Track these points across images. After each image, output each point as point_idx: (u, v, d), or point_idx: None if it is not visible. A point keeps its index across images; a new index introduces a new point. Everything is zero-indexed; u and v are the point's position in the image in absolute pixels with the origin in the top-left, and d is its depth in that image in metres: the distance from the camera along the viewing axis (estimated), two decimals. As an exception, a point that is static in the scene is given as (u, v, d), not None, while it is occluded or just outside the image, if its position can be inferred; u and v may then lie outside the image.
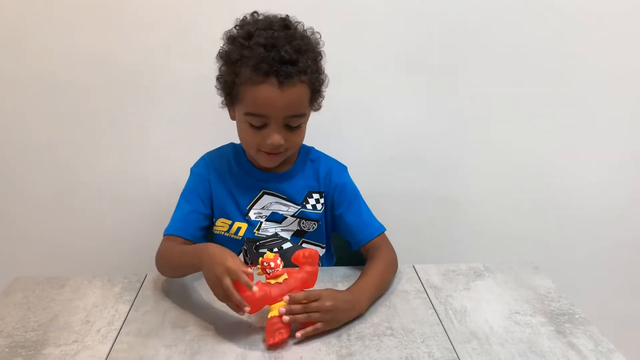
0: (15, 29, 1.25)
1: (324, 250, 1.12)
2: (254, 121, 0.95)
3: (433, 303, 0.94)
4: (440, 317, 0.90)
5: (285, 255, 1.06)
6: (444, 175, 1.44)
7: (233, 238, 1.07)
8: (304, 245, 1.09)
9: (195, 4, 1.25)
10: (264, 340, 0.82)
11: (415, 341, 0.83)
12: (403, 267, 1.06)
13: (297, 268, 0.87)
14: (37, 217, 1.40)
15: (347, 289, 0.92)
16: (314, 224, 1.08)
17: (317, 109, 1.02)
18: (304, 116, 0.98)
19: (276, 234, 1.07)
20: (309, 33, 0.99)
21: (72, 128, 1.34)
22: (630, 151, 1.43)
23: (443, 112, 1.38)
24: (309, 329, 0.83)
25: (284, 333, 0.81)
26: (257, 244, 1.06)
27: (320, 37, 1.00)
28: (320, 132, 1.17)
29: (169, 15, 1.26)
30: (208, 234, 1.11)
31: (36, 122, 1.33)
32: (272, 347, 0.80)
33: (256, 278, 0.83)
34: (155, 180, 1.38)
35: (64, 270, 1.03)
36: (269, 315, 0.82)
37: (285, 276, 0.83)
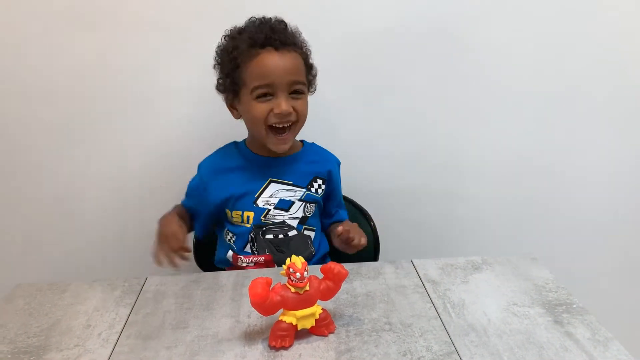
0: (12, 32, 1.26)
1: (314, 233, 1.17)
2: (262, 90, 1.04)
3: (431, 297, 0.94)
4: (438, 311, 0.90)
5: (290, 243, 1.09)
6: (442, 171, 1.45)
7: (244, 227, 1.14)
8: (305, 232, 1.13)
9: (192, 9, 1.26)
10: (266, 340, 0.82)
11: (413, 335, 0.83)
12: (401, 262, 1.06)
13: (320, 277, 0.84)
14: (37, 222, 1.41)
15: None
16: (314, 207, 1.15)
17: (312, 91, 1.10)
18: (304, 84, 1.07)
19: (284, 222, 1.11)
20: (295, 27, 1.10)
21: (70, 132, 1.36)
22: (630, 144, 1.43)
23: (441, 106, 1.38)
24: (364, 241, 1.05)
25: (287, 342, 0.81)
26: (264, 229, 1.09)
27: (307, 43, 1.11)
28: (316, 127, 1.18)
29: (166, 19, 1.27)
30: (206, 224, 1.21)
31: (35, 126, 1.34)
32: (273, 348, 0.81)
33: (277, 279, 0.82)
34: (155, 183, 1.39)
35: (65, 275, 1.04)
36: (280, 318, 0.81)
37: (307, 288, 0.81)
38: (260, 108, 1.04)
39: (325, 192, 1.18)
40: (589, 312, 0.88)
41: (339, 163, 1.22)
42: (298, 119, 1.07)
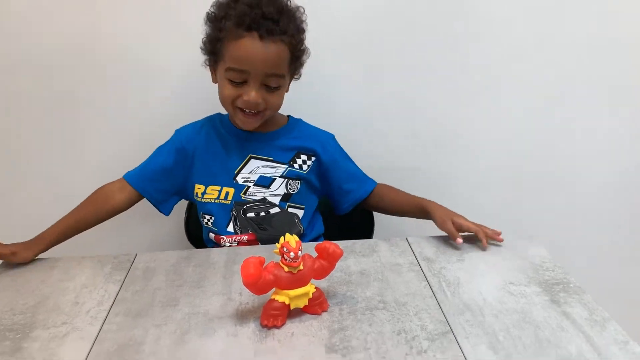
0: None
1: (303, 211, 1.13)
2: (235, 77, 0.99)
3: (426, 275, 0.93)
4: (433, 289, 0.88)
5: (272, 220, 1.07)
6: (437, 149, 1.42)
7: (223, 204, 1.10)
8: (289, 209, 1.10)
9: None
10: (258, 319, 0.81)
11: (408, 314, 0.82)
12: (396, 239, 1.04)
13: (314, 256, 0.82)
14: (26, 200, 1.38)
15: (434, 208, 1.06)
16: (298, 183, 1.11)
17: (297, 77, 1.06)
18: (283, 77, 1.02)
19: (264, 199, 1.08)
20: (294, 7, 1.03)
21: (56, 114, 1.33)
22: (629, 118, 1.41)
23: (436, 83, 1.35)
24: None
25: (279, 321, 0.79)
26: (245, 207, 1.07)
27: (305, 15, 1.04)
28: (309, 104, 1.15)
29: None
30: (175, 201, 1.17)
31: (18, 100, 1.30)
32: (265, 327, 0.79)
33: (267, 258, 0.80)
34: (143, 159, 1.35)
35: (53, 251, 1.01)
36: (272, 297, 0.79)
37: (300, 267, 0.78)
38: (230, 91, 1.00)
39: (324, 170, 1.14)
40: (585, 291, 0.86)
41: (332, 137, 1.17)
42: (267, 108, 1.03)
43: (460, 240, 0.98)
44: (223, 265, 0.97)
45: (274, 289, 0.80)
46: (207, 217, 1.13)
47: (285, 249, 0.77)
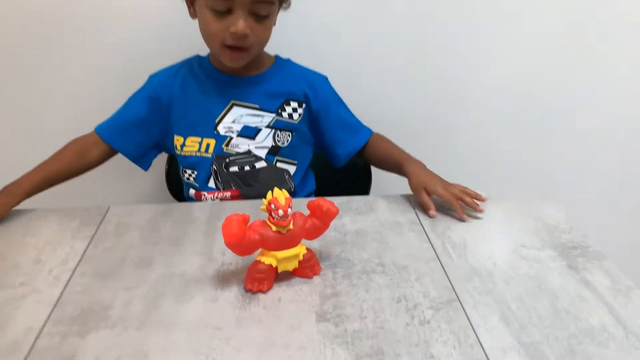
0: None
1: (295, 167, 1.04)
2: (218, 5, 0.86)
3: (429, 236, 0.84)
4: (437, 252, 0.80)
5: (258, 176, 0.97)
6: (438, 96, 1.31)
7: (204, 157, 1.00)
8: (278, 164, 1.00)
9: None
10: (241, 282, 0.72)
11: (409, 279, 0.73)
12: (396, 196, 0.95)
13: (306, 214, 0.73)
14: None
15: (411, 172, 0.93)
16: (288, 135, 1.00)
17: (287, 6, 0.95)
18: (272, 4, 0.90)
19: (249, 152, 0.97)
20: None
21: (28, 58, 1.20)
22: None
23: (437, 28, 1.23)
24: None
25: (265, 285, 0.70)
26: (227, 161, 0.97)
27: None
28: (300, 46, 1.03)
29: None
30: (153, 155, 1.07)
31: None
32: (249, 291, 0.71)
33: (253, 215, 0.70)
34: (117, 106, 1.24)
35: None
36: (258, 258, 0.70)
37: (290, 227, 0.69)
38: (215, 24, 0.89)
39: (314, 117, 1.03)
40: (606, 257, 0.78)
41: (325, 79, 1.05)
42: (254, 43, 0.91)
43: (433, 213, 0.87)
44: (205, 221, 0.88)
45: (260, 249, 0.71)
46: (189, 172, 1.03)
47: (273, 206, 0.67)
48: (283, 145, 1.01)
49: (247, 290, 0.71)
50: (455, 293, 0.71)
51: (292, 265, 0.72)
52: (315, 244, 0.79)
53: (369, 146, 1.05)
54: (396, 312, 0.67)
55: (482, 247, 0.81)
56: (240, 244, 0.67)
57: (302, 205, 0.75)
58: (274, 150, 1.01)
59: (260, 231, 0.69)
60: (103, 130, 1.00)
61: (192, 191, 1.04)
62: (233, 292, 0.71)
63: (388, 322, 0.65)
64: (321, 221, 0.72)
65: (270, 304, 0.69)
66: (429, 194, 0.89)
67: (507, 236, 0.83)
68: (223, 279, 0.73)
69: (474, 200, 0.88)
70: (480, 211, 0.87)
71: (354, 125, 1.06)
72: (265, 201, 0.69)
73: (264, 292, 0.70)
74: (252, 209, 0.73)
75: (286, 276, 0.73)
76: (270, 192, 0.69)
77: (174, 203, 0.99)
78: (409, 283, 0.73)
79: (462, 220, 0.86)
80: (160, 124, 1.01)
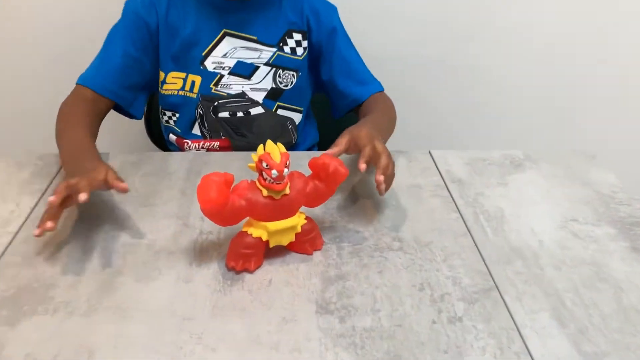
0: None
1: (301, 116, 0.88)
2: None
3: (457, 204, 0.68)
4: (467, 224, 0.64)
5: (253, 124, 0.81)
6: (466, 39, 1.12)
7: (188, 97, 0.84)
8: (279, 111, 0.83)
9: None
10: (223, 257, 0.57)
11: (434, 260, 0.58)
12: (415, 153, 0.79)
13: (306, 175, 0.57)
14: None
15: (361, 124, 0.69)
16: (293, 75, 0.83)
17: None
18: None
19: (243, 94, 0.80)
20: None
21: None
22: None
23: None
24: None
25: (252, 264, 0.55)
26: (216, 104, 0.80)
27: None
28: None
29: None
30: (146, 97, 0.87)
31: None
32: (232, 270, 0.56)
33: (243, 173, 0.55)
34: (82, 41, 1.04)
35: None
36: (244, 229, 0.55)
37: (286, 191, 0.54)
38: None
39: (316, 54, 0.86)
40: (680, 237, 0.63)
41: (334, 10, 0.86)
42: None
43: (363, 166, 0.59)
44: (183, 176, 0.72)
45: (247, 217, 0.55)
46: (168, 113, 0.86)
47: (265, 164, 0.51)
48: (286, 88, 0.84)
49: (230, 269, 0.56)
50: (493, 279, 0.56)
51: (287, 239, 0.56)
52: (317, 211, 0.63)
53: (366, 105, 0.84)
54: (418, 305, 0.52)
55: (523, 219, 0.65)
56: (220, 213, 0.52)
57: (302, 162, 0.59)
58: (274, 94, 0.84)
59: (248, 195, 0.53)
60: (94, 82, 0.78)
61: (172, 137, 0.88)
62: (212, 270, 0.56)
63: (408, 318, 0.51)
64: (326, 185, 0.56)
65: (258, 288, 0.54)
66: (358, 142, 0.63)
67: (553, 206, 0.68)
68: (200, 252, 0.59)
69: (380, 178, 0.60)
70: (381, 192, 0.61)
71: (360, 73, 0.86)
72: (255, 157, 0.53)
73: (250, 271, 0.56)
74: (245, 159, 0.57)
75: (279, 252, 0.58)
76: (261, 145, 0.53)
77: (147, 152, 0.82)
78: (434, 265, 0.58)
79: (359, 169, 0.59)
80: (152, 57, 0.82)
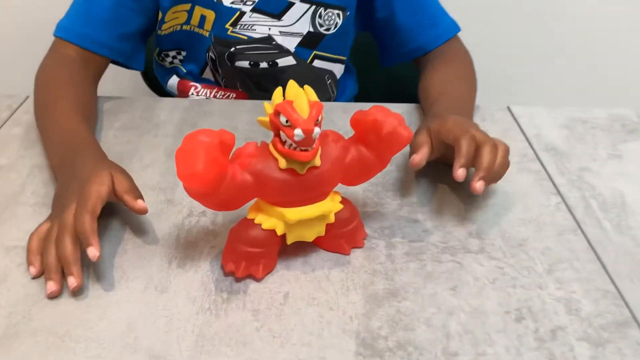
0: None
1: (342, 67, 0.68)
2: None
3: (556, 183, 0.48)
4: (574, 214, 0.44)
5: (280, 78, 0.61)
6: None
7: (196, 33, 0.63)
8: (315, 63, 0.63)
9: None
10: (219, 255, 0.39)
11: (533, 269, 0.39)
12: (492, 110, 0.58)
13: (345, 138, 0.38)
14: None
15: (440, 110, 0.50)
16: (338, 15, 0.62)
17: None
18: None
19: (269, 39, 0.60)
20: None
21: None
22: None
23: None
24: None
25: (260, 269, 0.37)
26: (233, 50, 0.59)
27: None
28: None
29: None
30: (141, 45, 0.64)
31: None
32: (230, 274, 0.37)
33: (246, 135, 0.35)
34: None
35: None
36: (249, 216, 0.37)
37: (316, 162, 0.35)
38: None
39: None
40: None
41: None
42: None
43: (417, 158, 0.43)
44: (174, 129, 0.54)
45: (254, 199, 0.36)
46: (172, 53, 0.66)
47: (284, 119, 0.32)
48: (327, 33, 0.63)
49: (227, 274, 0.37)
50: (627, 305, 0.36)
51: (313, 233, 0.37)
52: (355, 191, 0.44)
53: (433, 58, 0.63)
54: (517, 347, 0.33)
55: (655, 208, 0.45)
56: (214, 192, 0.33)
57: (338, 117, 0.39)
58: (310, 41, 0.63)
59: (257, 167, 0.34)
60: (83, 37, 0.58)
61: (174, 80, 0.67)
62: (199, 275, 0.38)
63: (503, 370, 0.32)
64: (376, 153, 0.37)
65: (267, 308, 0.35)
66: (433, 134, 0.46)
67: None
68: (186, 244, 0.40)
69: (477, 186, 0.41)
70: (477, 191, 0.41)
71: (431, 7, 0.64)
72: (268, 107, 0.33)
73: (257, 279, 0.37)
74: (254, 111, 0.38)
75: (300, 251, 0.39)
76: (279, 89, 0.33)
77: (127, 97, 0.62)
78: (535, 278, 0.38)
79: (455, 177, 0.41)
80: None
